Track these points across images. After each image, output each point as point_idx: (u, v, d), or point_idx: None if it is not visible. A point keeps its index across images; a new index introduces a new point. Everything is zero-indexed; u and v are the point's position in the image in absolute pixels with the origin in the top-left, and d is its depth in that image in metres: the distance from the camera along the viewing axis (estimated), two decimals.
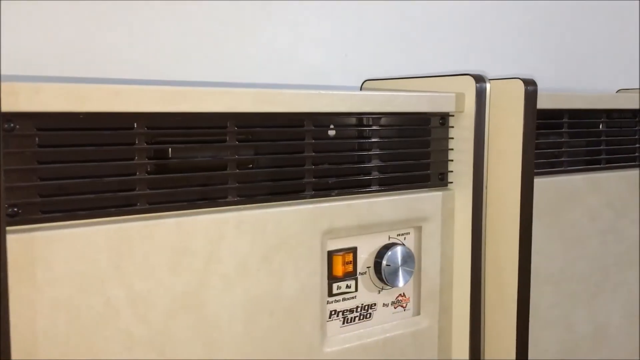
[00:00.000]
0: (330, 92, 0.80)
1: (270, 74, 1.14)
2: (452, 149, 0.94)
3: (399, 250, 0.87)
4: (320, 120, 0.81)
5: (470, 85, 0.91)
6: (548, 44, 1.53)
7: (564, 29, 1.55)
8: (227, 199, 0.75)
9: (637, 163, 1.19)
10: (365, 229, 0.86)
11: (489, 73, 0.99)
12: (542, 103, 1.02)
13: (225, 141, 0.74)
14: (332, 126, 0.87)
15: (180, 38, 1.03)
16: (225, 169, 0.74)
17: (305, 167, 0.81)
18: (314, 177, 0.81)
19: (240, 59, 1.10)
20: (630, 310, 1.18)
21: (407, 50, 1.29)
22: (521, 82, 0.95)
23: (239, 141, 0.75)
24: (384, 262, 0.86)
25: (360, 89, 1.10)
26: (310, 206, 0.80)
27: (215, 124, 0.73)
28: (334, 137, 0.84)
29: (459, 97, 0.92)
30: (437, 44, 1.34)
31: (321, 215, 0.80)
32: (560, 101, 1.05)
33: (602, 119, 1.13)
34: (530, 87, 0.95)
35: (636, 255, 1.18)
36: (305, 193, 0.81)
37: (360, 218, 0.84)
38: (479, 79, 0.91)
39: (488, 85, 0.91)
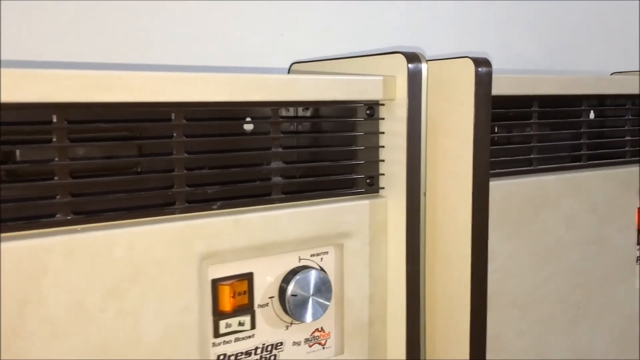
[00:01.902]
0: (208, 74, 0.60)
1: (195, 55, 0.95)
2: (383, 147, 0.74)
3: (309, 275, 0.68)
4: (193, 112, 0.62)
5: (402, 66, 0.70)
6: (540, 24, 1.32)
7: (559, 8, 1.34)
8: (55, 218, 0.55)
9: (627, 159, 0.97)
10: (263, 250, 0.66)
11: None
12: (503, 88, 0.81)
13: (51, 141, 0.55)
14: (248, 119, 0.67)
15: (100, 17, 0.84)
16: (53, 178, 0.55)
17: (175, 173, 0.61)
18: (187, 186, 0.62)
19: (164, 38, 0.91)
20: (620, 334, 0.97)
21: (356, 29, 1.08)
22: (471, 62, 0.75)
23: (71, 140, 0.56)
24: (289, 292, 0.67)
25: (288, 73, 0.90)
26: (180, 223, 0.60)
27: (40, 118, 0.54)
28: (217, 134, 0.64)
29: (389, 82, 0.71)
30: (398, 20, 1.13)
31: (196, 234, 0.61)
32: (528, 85, 0.84)
33: (583, 107, 0.92)
34: (483, 68, 0.75)
35: (626, 268, 0.97)
36: (175, 207, 0.61)
37: (254, 237, 0.64)
38: (412, 58, 0.70)
39: (424, 66, 0.71)
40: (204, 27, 0.95)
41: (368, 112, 0.72)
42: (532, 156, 0.87)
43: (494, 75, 0.76)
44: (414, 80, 0.70)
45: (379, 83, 0.70)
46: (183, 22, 0.93)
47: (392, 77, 0.71)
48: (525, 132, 0.87)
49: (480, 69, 0.74)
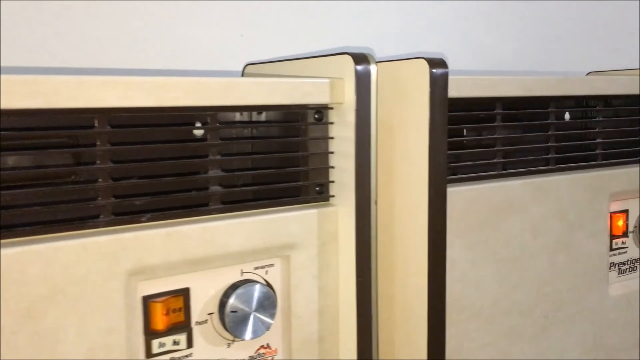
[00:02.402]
0: (131, 78, 0.56)
1: (144, 57, 0.91)
2: (332, 153, 0.69)
3: (251, 290, 0.63)
4: (119, 118, 0.57)
5: (349, 68, 0.66)
6: (517, 24, 1.27)
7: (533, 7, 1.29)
8: None
9: (598, 162, 0.93)
10: (201, 263, 0.62)
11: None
12: (464, 90, 0.77)
13: None
14: (197, 124, 0.63)
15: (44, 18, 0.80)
16: None
17: (99, 183, 0.57)
18: (114, 197, 0.57)
19: (111, 39, 0.87)
20: (592, 344, 0.93)
21: (323, 28, 1.04)
22: (425, 63, 0.71)
23: None
24: (228, 307, 0.62)
25: (242, 75, 0.85)
26: (104, 237, 0.56)
27: None
28: (147, 142, 0.60)
29: (336, 84, 0.67)
30: (369, 22, 1.09)
31: (123, 249, 0.56)
32: (489, 87, 0.80)
33: (551, 109, 0.88)
34: (438, 69, 0.70)
35: (598, 275, 0.93)
36: (99, 220, 0.57)
37: (189, 250, 0.60)
38: (360, 59, 0.66)
39: (374, 68, 0.66)
40: (158, 27, 0.90)
41: (316, 116, 0.68)
42: (495, 160, 0.83)
43: (454, 77, 0.72)
44: (362, 83, 0.65)
45: (324, 86, 0.66)
46: (128, 22, 0.89)
47: (340, 79, 0.67)
48: (490, 135, 0.83)
49: (435, 70, 0.70)
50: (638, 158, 0.98)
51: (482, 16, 1.23)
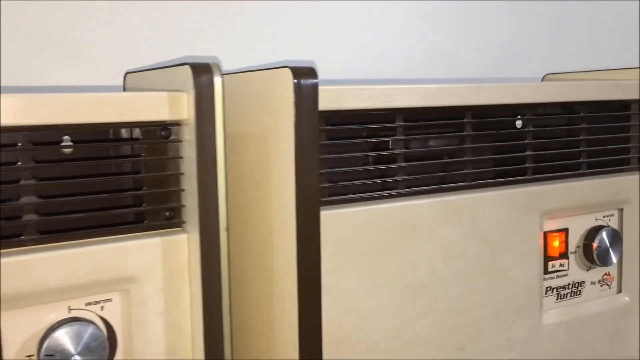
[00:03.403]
0: None
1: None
2: (182, 174, 0.61)
3: (73, 330, 0.56)
4: None
5: (190, 80, 0.58)
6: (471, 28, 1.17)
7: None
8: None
9: (528, 177, 0.83)
10: (15, 301, 0.54)
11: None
12: (348, 101, 0.68)
13: None
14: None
15: None
16: None
17: None
18: None
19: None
20: None
21: (237, 31, 0.96)
22: (289, 72, 0.62)
23: None
24: (43, 351, 0.55)
25: (123, 84, 0.78)
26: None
27: None
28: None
29: (177, 98, 0.59)
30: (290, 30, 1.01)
31: None
32: (385, 97, 0.71)
33: (465, 120, 0.78)
34: (305, 80, 0.62)
35: (527, 301, 0.83)
36: None
37: None
38: (201, 70, 0.58)
39: (217, 79, 0.58)
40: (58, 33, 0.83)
41: (163, 133, 0.60)
42: (397, 178, 0.74)
43: (339, 87, 0.64)
44: (204, 96, 0.57)
45: (162, 100, 0.58)
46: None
47: (181, 92, 0.59)
48: (393, 150, 0.73)
49: (300, 81, 0.61)
50: (579, 171, 0.87)
51: (436, 20, 1.14)
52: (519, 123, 0.84)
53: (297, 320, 0.63)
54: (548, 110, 0.85)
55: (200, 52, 0.92)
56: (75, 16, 0.84)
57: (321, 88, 0.64)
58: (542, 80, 1.08)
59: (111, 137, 0.59)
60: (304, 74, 0.61)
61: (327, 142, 0.68)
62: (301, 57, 1.01)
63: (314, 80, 0.62)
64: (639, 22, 1.33)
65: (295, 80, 0.61)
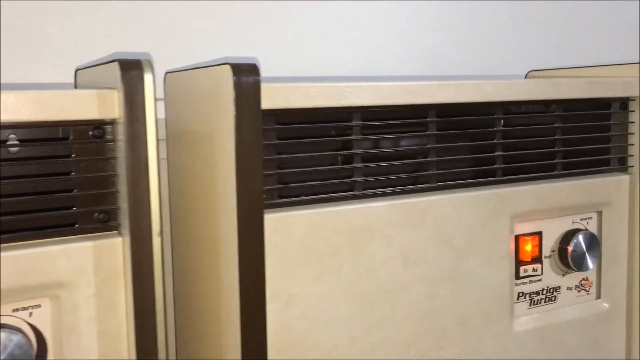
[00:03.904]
0: None
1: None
2: (117, 175, 0.58)
3: None
4: None
5: (118, 77, 0.55)
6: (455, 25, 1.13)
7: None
8: None
9: (497, 179, 0.79)
10: None
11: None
12: (300, 99, 0.65)
13: None
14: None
15: None
16: None
17: None
18: None
19: None
20: None
21: (210, 28, 0.93)
22: (229, 69, 0.59)
23: None
24: None
25: (75, 80, 0.75)
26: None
27: None
28: None
29: (107, 97, 0.56)
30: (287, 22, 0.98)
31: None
32: (338, 96, 0.67)
33: (428, 119, 0.74)
34: (247, 77, 0.59)
35: (497, 307, 0.79)
36: None
37: None
38: (130, 66, 0.55)
39: (148, 76, 0.55)
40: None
41: (96, 133, 0.57)
42: (354, 179, 0.70)
43: (286, 85, 0.61)
44: (133, 94, 0.54)
45: (90, 99, 0.55)
46: None
47: (112, 90, 0.56)
48: (351, 150, 0.70)
49: (241, 78, 0.58)
50: (553, 172, 0.83)
51: (422, 18, 1.10)
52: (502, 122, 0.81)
53: (239, 326, 0.60)
54: (523, 108, 0.81)
55: (167, 47, 0.89)
56: (36, 9, 0.82)
57: (265, 85, 0.61)
58: (525, 77, 1.04)
59: (45, 137, 0.57)
60: (244, 70, 0.58)
61: (277, 142, 0.65)
62: (277, 54, 0.98)
63: (256, 78, 0.59)
64: (638, 18, 1.28)
65: (235, 77, 0.58)
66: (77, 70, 0.72)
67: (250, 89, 0.58)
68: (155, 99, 0.54)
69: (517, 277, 0.81)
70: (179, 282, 0.78)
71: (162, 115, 0.75)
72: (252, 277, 0.61)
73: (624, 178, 0.86)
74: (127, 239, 0.57)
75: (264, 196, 0.64)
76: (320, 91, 0.65)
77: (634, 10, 1.27)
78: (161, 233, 0.56)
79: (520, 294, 0.82)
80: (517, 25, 1.18)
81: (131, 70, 0.54)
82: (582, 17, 1.23)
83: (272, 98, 0.62)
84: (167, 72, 0.76)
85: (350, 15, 1.04)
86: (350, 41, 1.04)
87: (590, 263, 0.83)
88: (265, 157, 0.64)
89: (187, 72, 0.70)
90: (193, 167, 0.70)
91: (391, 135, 0.72)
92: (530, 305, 0.83)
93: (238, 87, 0.58)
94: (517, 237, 0.81)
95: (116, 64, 0.54)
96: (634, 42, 1.27)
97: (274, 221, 0.64)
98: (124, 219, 0.58)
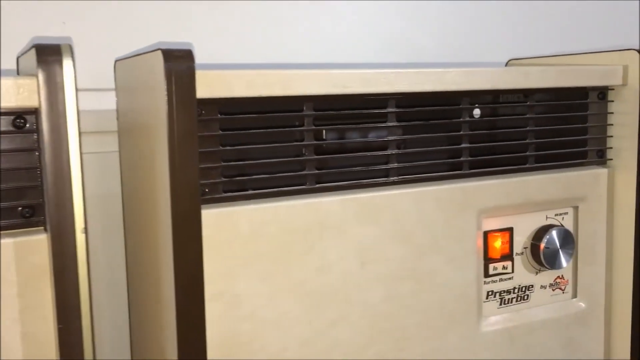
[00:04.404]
0: None
1: None
2: (39, 168, 0.55)
3: None
4: None
5: (35, 63, 0.51)
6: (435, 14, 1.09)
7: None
8: None
9: (463, 172, 0.75)
10: None
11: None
12: (244, 88, 0.61)
13: None
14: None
15: None
16: None
17: None
18: None
19: None
20: None
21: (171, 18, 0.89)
22: (160, 55, 0.55)
23: None
24: None
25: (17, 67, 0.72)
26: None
27: None
28: None
29: (25, 86, 0.52)
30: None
31: None
32: (280, 83, 0.63)
33: (388, 110, 0.70)
34: (180, 64, 0.55)
35: (463, 307, 0.75)
36: None
37: None
38: (49, 52, 0.51)
39: (68, 62, 0.51)
40: None
41: (17, 122, 0.54)
42: (306, 172, 0.66)
43: (242, 73, 0.57)
44: (50, 81, 0.51)
45: (8, 87, 0.51)
46: None
47: (33, 77, 0.52)
48: (302, 141, 0.66)
49: (173, 64, 0.55)
50: (525, 166, 0.79)
51: (399, 4, 1.05)
52: (476, 112, 0.77)
53: (175, 325, 0.57)
54: (494, 98, 0.76)
55: (128, 36, 0.85)
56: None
57: (202, 73, 0.57)
58: (505, 66, 1.00)
59: None
60: (177, 57, 0.55)
61: (220, 133, 0.61)
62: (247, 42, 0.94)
63: (189, 64, 0.55)
64: None
65: (167, 64, 0.54)
66: (18, 57, 0.69)
67: (183, 77, 0.55)
68: (77, 88, 0.50)
69: (486, 275, 0.77)
70: (131, 280, 0.75)
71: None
72: (188, 276, 0.57)
73: (602, 171, 0.82)
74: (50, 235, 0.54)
75: (206, 190, 0.61)
76: (265, 79, 0.61)
77: None
78: (85, 230, 0.52)
79: (490, 293, 0.78)
80: (499, 12, 1.13)
81: (49, 55, 0.50)
82: (568, 3, 1.18)
83: (210, 86, 0.58)
84: (116, 60, 0.72)
85: (320, 1, 1.00)
86: (321, 29, 1.00)
87: (563, 261, 0.79)
88: (206, 149, 0.60)
89: (131, 59, 0.66)
90: (138, 161, 0.66)
91: (347, 126, 0.68)
92: (500, 304, 0.79)
93: (170, 74, 0.54)
94: (485, 234, 0.76)
95: (33, 50, 0.50)
96: (622, 29, 1.22)
97: (217, 217, 0.61)
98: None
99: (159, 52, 0.54)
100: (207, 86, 0.58)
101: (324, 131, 0.66)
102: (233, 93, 0.59)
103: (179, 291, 0.56)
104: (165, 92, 0.54)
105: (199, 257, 0.57)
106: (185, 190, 0.56)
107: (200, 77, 0.56)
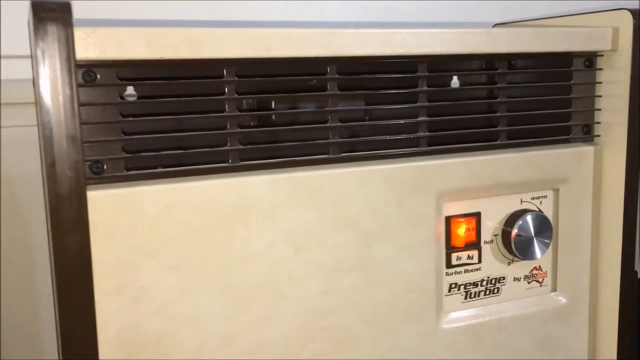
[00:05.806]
0: None
1: None
2: None
3: None
4: None
5: None
6: None
7: None
8: None
9: (420, 149, 0.65)
10: None
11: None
12: (141, 49, 0.51)
13: None
14: None
15: None
16: None
17: None
18: None
19: None
20: None
21: None
22: (30, 9, 0.46)
23: None
24: None
25: None
26: None
27: None
28: None
29: None
30: None
31: None
32: (187, 45, 0.53)
33: (329, 76, 0.60)
34: (50, 19, 0.46)
35: (419, 301, 0.65)
36: None
37: None
38: None
39: None
40: None
41: None
42: (228, 147, 0.57)
43: (142, 30, 0.47)
44: None
45: None
46: None
47: None
48: (226, 112, 0.56)
49: (42, 19, 0.45)
50: (495, 142, 0.68)
51: None
52: (455, 81, 0.66)
53: (58, 324, 0.48)
54: (459, 65, 0.66)
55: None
56: None
57: (83, 31, 0.47)
58: None
59: None
60: (49, 10, 0.45)
61: (119, 101, 0.52)
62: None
63: (64, 18, 0.45)
64: None
65: (36, 18, 0.45)
66: None
67: (55, 33, 0.45)
68: None
69: (449, 265, 0.67)
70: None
71: None
72: (71, 265, 0.48)
73: (588, 149, 0.70)
74: None
75: (104, 167, 0.51)
76: (166, 39, 0.51)
77: None
78: None
79: (453, 285, 0.68)
80: None
81: None
82: None
83: (101, 47, 0.48)
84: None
85: None
86: None
87: (538, 251, 0.68)
88: (101, 121, 0.51)
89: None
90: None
91: (278, 95, 0.58)
92: (465, 298, 0.68)
93: (38, 30, 0.45)
94: (448, 219, 0.66)
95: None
96: None
97: (116, 198, 0.52)
98: None
99: (29, 3, 0.45)
100: (97, 46, 0.48)
101: (248, 101, 0.56)
102: (129, 54, 0.50)
103: (60, 285, 0.48)
104: (35, 52, 0.45)
105: (85, 246, 0.48)
106: (63, 168, 0.47)
107: (81, 34, 0.46)
